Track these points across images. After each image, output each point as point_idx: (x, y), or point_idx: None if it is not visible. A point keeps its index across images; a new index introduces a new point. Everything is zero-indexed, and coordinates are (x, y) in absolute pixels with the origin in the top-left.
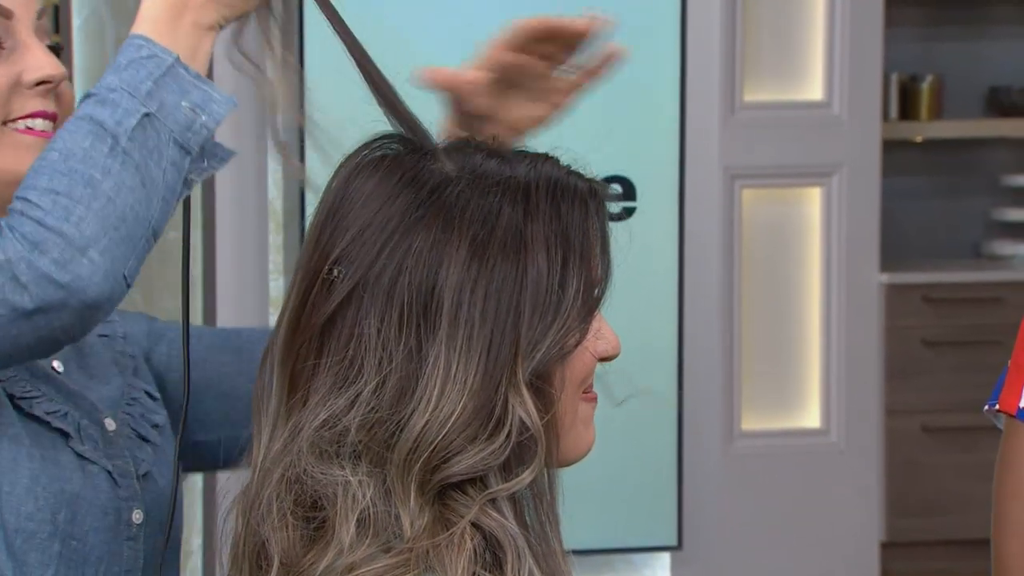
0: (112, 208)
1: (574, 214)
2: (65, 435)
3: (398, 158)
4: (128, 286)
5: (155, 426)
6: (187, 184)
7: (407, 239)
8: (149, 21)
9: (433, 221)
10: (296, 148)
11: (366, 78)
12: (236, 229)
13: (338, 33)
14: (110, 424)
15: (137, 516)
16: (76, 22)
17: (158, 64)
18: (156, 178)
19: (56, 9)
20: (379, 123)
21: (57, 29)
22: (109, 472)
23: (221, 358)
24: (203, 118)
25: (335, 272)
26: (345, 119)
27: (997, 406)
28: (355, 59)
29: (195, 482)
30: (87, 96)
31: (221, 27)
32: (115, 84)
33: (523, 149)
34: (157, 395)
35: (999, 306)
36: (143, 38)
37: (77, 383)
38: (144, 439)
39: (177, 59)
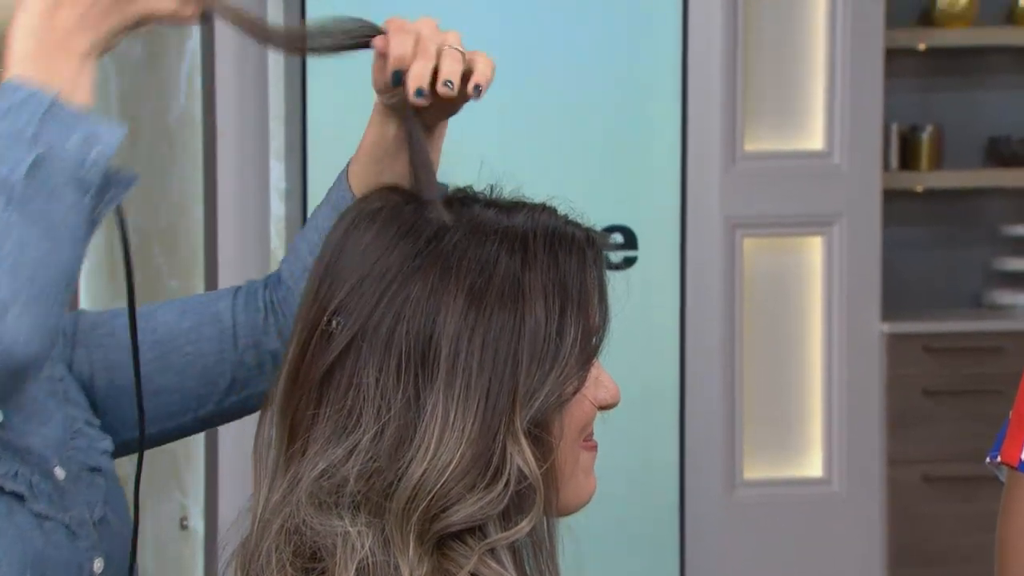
0: (21, 266)
1: (571, 263)
2: (20, 497)
3: (396, 209)
4: (56, 335)
5: (103, 452)
6: (93, 222)
7: (405, 288)
8: (21, 59)
9: (431, 270)
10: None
11: (403, 113)
12: (239, 276)
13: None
14: (60, 473)
15: (98, 565)
16: None
17: (38, 104)
18: (60, 222)
19: None
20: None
21: None
22: (67, 526)
23: (144, 355)
24: (94, 152)
25: (334, 323)
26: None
27: (999, 458)
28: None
29: (196, 532)
30: None
31: (100, 53)
32: None
33: (521, 199)
34: (96, 420)
35: (1000, 356)
36: (17, 80)
37: (20, 432)
38: (95, 469)
39: (56, 96)
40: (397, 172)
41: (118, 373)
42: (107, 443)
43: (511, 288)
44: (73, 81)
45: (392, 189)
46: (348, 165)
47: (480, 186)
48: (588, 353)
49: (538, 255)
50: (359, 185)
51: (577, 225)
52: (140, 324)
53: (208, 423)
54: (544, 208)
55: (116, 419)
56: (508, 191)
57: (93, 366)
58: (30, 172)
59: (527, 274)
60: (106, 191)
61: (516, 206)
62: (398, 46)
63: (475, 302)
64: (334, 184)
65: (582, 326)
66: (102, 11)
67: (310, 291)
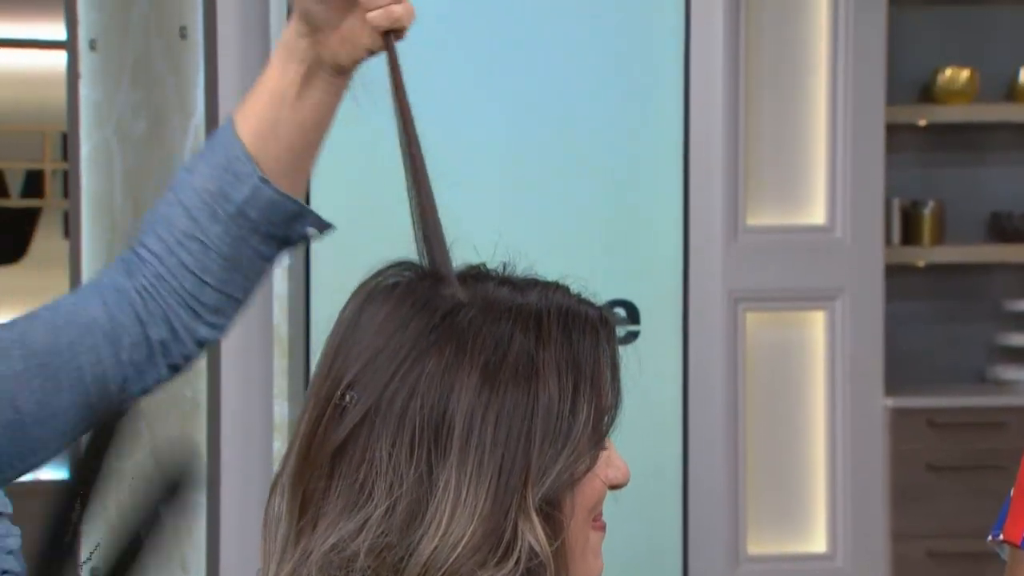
0: None
1: (585, 342)
2: None
3: (410, 285)
4: None
5: (9, 552)
6: None
7: (419, 364)
8: None
9: (445, 347)
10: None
11: (410, 170)
12: (241, 353)
13: (402, 119)
14: None
15: None
16: (84, 150)
17: None
18: None
19: (64, 137)
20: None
21: (65, 156)
22: None
23: (31, 385)
24: None
25: (347, 398)
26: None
27: (1001, 536)
28: (409, 151)
29: None
30: None
31: None
32: None
33: (534, 277)
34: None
35: (1004, 431)
36: None
37: None
38: (4, 572)
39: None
40: (296, 120)
41: (6, 410)
42: (14, 540)
43: (525, 366)
44: None
45: (407, 265)
46: (233, 118)
47: (493, 262)
48: (600, 432)
49: (552, 333)
50: (254, 140)
51: (590, 304)
52: (16, 351)
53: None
54: (557, 287)
55: (7, 451)
56: (521, 268)
57: None
58: None
59: (541, 352)
60: None
61: (529, 284)
62: None
63: (489, 379)
64: (215, 140)
65: (595, 405)
66: None
67: (323, 365)
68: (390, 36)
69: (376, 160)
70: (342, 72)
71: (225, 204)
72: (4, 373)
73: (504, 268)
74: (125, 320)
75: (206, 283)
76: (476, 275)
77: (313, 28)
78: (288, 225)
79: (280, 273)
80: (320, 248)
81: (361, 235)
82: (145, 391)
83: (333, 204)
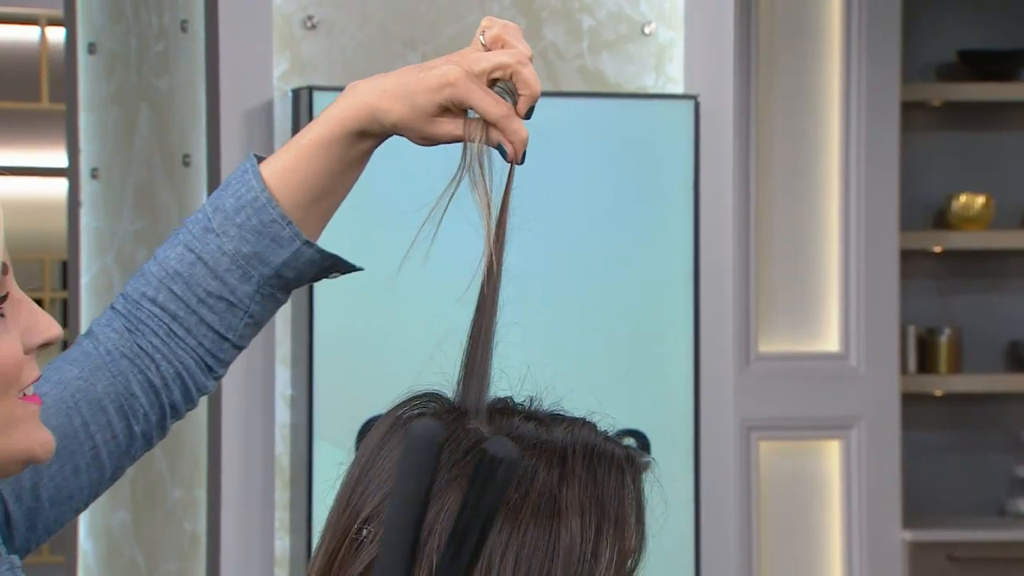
0: None
1: (610, 481)
2: None
3: (435, 418)
4: None
5: None
6: None
7: (439, 500)
8: None
9: (465, 483)
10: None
11: (481, 300)
12: (242, 485)
13: (494, 247)
14: None
15: None
16: (84, 279)
17: None
18: None
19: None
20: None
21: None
22: None
23: (49, 471)
24: None
25: (364, 531)
26: None
27: None
28: (487, 284)
29: None
30: None
31: None
32: None
33: (560, 413)
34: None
35: None
36: None
37: None
38: None
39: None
40: (337, 198)
41: (27, 498)
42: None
43: (547, 504)
44: None
45: (434, 396)
46: (260, 171)
47: (520, 396)
48: (623, 575)
49: (576, 471)
50: (296, 215)
51: (617, 443)
52: None
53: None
54: (584, 423)
55: (24, 537)
56: (548, 403)
57: (4, 499)
58: None
59: (564, 490)
60: None
61: (556, 419)
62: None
63: (510, 517)
64: (242, 197)
65: (618, 547)
66: None
67: (342, 497)
68: (512, 166)
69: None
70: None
71: (261, 267)
72: None
73: (531, 402)
74: (137, 389)
75: (227, 339)
76: (502, 409)
77: (367, 134)
78: (317, 276)
79: (282, 401)
80: (323, 375)
81: (366, 369)
82: (149, 448)
83: (336, 327)
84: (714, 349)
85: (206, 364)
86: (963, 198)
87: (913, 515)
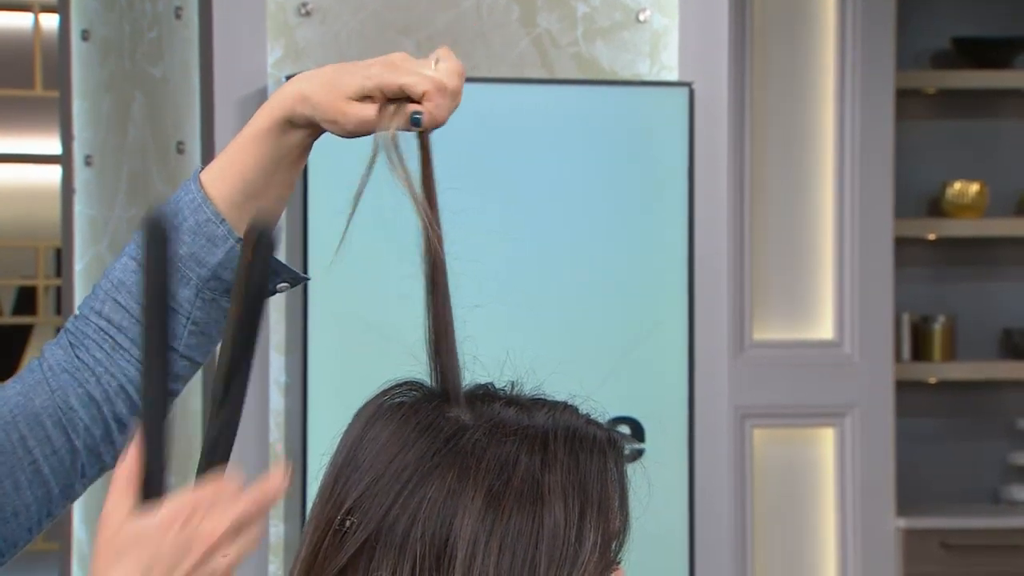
0: None
1: (592, 465)
2: None
3: (415, 405)
4: None
5: None
6: None
7: (421, 489)
8: None
9: (448, 470)
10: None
11: (430, 284)
12: (236, 472)
13: (428, 232)
14: None
15: None
16: (78, 266)
17: None
18: None
19: (58, 252)
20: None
21: (59, 272)
22: None
23: None
24: None
25: (348, 522)
26: None
27: None
28: (430, 264)
29: None
30: None
31: None
32: None
33: (542, 397)
34: None
35: (1019, 554)
36: None
37: None
38: None
39: None
40: (271, 197)
41: None
42: None
43: (530, 489)
44: None
45: (414, 384)
46: (199, 175)
47: (501, 381)
48: (608, 558)
49: (558, 455)
50: (214, 187)
51: (599, 425)
52: None
53: (60, 515)
54: (566, 407)
55: None
56: (530, 387)
57: None
58: None
59: (547, 475)
60: None
61: (537, 404)
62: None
63: (493, 504)
64: (179, 203)
65: (602, 530)
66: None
67: (325, 487)
68: (427, 135)
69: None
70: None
71: (198, 268)
72: None
73: (512, 387)
74: (76, 403)
75: (173, 349)
76: (483, 395)
77: (298, 123)
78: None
79: (276, 389)
80: (318, 362)
81: (361, 356)
82: (103, 470)
83: (331, 314)
84: (708, 336)
85: None
86: (957, 186)
87: (907, 502)
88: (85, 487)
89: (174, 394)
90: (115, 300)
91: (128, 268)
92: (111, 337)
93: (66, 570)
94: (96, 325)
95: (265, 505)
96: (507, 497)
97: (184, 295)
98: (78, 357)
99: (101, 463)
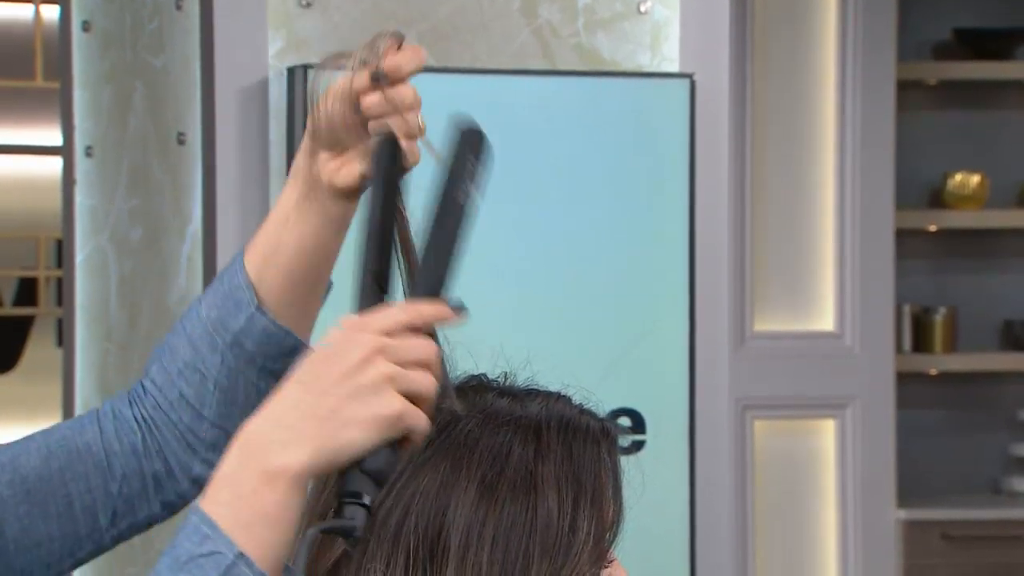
0: None
1: (586, 454)
2: None
3: None
4: None
5: None
6: None
7: (414, 481)
8: (222, 490)
9: (441, 461)
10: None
11: (408, 276)
12: None
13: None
14: None
15: None
16: (79, 257)
17: (216, 565)
18: None
19: (59, 243)
20: None
21: (60, 263)
22: None
23: (17, 511)
24: None
25: None
26: None
27: None
28: (406, 258)
29: None
30: None
31: (311, 479)
32: None
33: (535, 388)
34: None
35: (1020, 545)
36: (209, 524)
37: None
38: None
39: (239, 555)
40: (294, 245)
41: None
42: None
43: (523, 480)
44: (272, 528)
45: None
46: (244, 247)
47: (494, 372)
48: (602, 548)
49: (551, 445)
50: (258, 270)
51: (592, 415)
52: (4, 476)
53: (84, 562)
54: (559, 397)
55: None
56: (523, 378)
57: None
58: None
59: (540, 465)
60: None
61: (530, 394)
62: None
63: (486, 494)
64: (225, 269)
65: (596, 520)
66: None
67: (318, 480)
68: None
69: None
70: (340, 198)
71: (224, 333)
72: None
73: (505, 378)
74: (119, 449)
75: (204, 417)
76: (476, 386)
77: (320, 147)
78: (284, 360)
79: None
80: None
81: None
82: (135, 528)
83: (332, 306)
84: (709, 328)
85: (187, 442)
86: (958, 177)
87: (907, 494)
88: (114, 540)
89: (210, 463)
90: (161, 363)
91: (176, 331)
92: (154, 398)
93: None
94: (146, 386)
95: (429, 319)
96: (500, 487)
97: (212, 361)
98: (132, 411)
99: (134, 516)
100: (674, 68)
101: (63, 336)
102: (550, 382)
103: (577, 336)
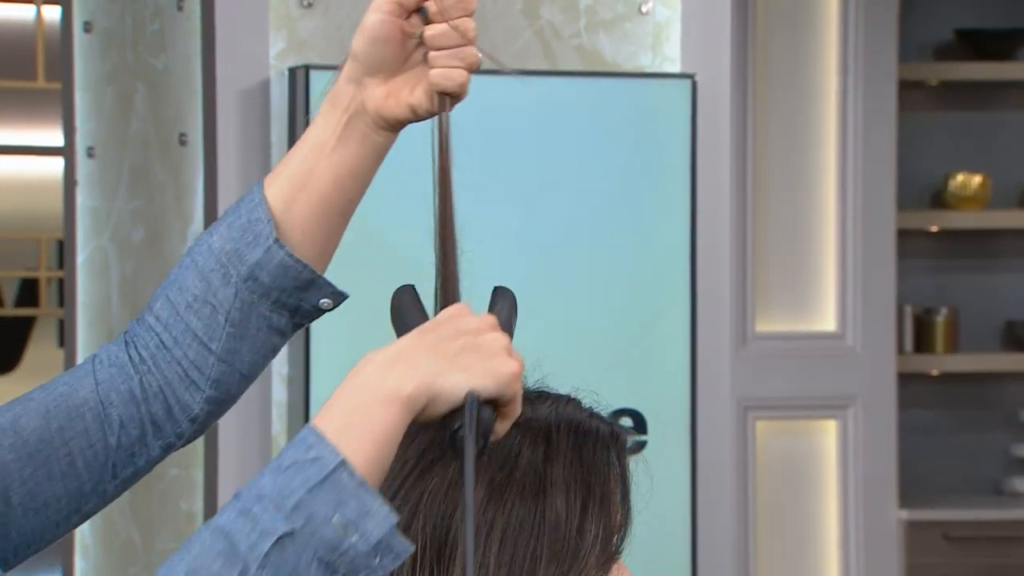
0: None
1: (595, 458)
2: None
3: None
4: None
5: None
6: None
7: (423, 481)
8: (334, 408)
9: (450, 463)
10: None
11: (440, 230)
12: (238, 464)
13: (440, 196)
14: None
15: None
16: (80, 258)
17: (319, 469)
18: None
19: (60, 244)
20: None
21: (61, 264)
22: None
23: (22, 474)
24: (353, 538)
25: None
26: None
27: None
28: (441, 232)
29: None
30: (238, 495)
31: (418, 410)
32: (266, 489)
33: (545, 390)
34: None
35: (1021, 545)
36: (316, 435)
37: None
38: None
39: (342, 463)
40: (331, 172)
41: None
42: None
43: (532, 482)
44: (375, 444)
45: None
46: (262, 179)
47: None
48: (609, 552)
49: (561, 448)
50: (281, 202)
51: (602, 419)
52: (6, 440)
53: (91, 515)
54: (569, 400)
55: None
56: (532, 380)
57: None
58: (275, 547)
59: (549, 468)
60: (376, 555)
61: (540, 397)
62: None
63: (495, 496)
64: (241, 201)
65: (604, 524)
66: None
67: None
68: (446, 100)
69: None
70: (384, 128)
71: (239, 266)
72: None
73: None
74: (116, 399)
75: (211, 351)
76: None
77: (363, 71)
78: (299, 294)
79: (279, 380)
80: (320, 356)
81: (364, 348)
82: (137, 475)
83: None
84: (711, 328)
85: (190, 378)
86: (960, 177)
87: (909, 494)
88: (118, 489)
89: (212, 401)
90: (167, 296)
91: (182, 264)
92: (157, 335)
93: (68, 564)
94: (148, 322)
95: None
96: (509, 489)
97: (225, 294)
98: (128, 353)
99: (134, 465)
100: (675, 69)
101: (64, 337)
102: (552, 382)
103: (579, 336)
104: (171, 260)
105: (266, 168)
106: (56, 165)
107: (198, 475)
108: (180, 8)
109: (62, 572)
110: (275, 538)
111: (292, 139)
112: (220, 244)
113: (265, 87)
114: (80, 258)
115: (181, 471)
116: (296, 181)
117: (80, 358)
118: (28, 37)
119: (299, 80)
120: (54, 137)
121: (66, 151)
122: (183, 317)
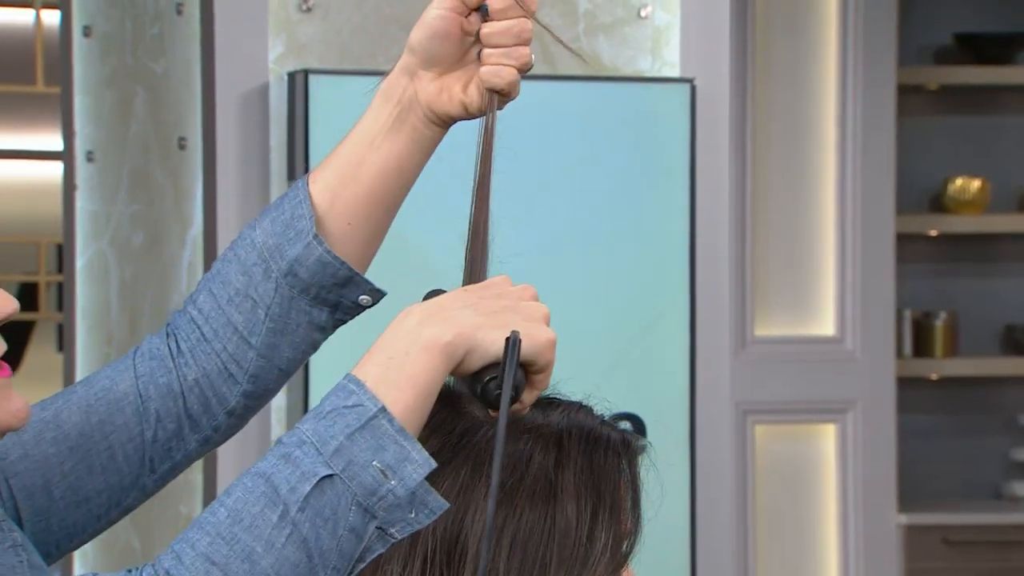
0: None
1: (606, 465)
2: None
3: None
4: None
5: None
6: (382, 539)
7: (433, 484)
8: (374, 357)
9: (461, 466)
10: None
11: (470, 250)
12: (237, 468)
13: (478, 191)
14: None
15: None
16: (79, 262)
17: (359, 415)
18: (328, 549)
19: (59, 248)
20: None
21: (60, 268)
22: None
23: (63, 468)
24: (392, 483)
25: None
26: None
27: None
28: (475, 224)
29: None
30: (279, 442)
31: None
32: (308, 435)
33: (557, 397)
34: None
35: (1021, 550)
36: (356, 383)
37: None
38: None
39: (381, 409)
40: (379, 165)
41: (39, 496)
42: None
43: (543, 488)
44: (415, 391)
45: None
46: (307, 176)
47: None
48: (619, 560)
49: (572, 455)
50: (326, 197)
51: (613, 426)
52: (49, 433)
53: (132, 509)
54: (581, 407)
55: (39, 538)
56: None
57: (15, 495)
58: (315, 490)
59: (560, 474)
60: (411, 509)
61: (552, 403)
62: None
63: (505, 500)
64: (286, 196)
65: (613, 531)
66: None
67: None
68: (494, 97)
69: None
70: (435, 123)
71: (279, 260)
72: (36, 458)
73: None
74: (155, 392)
75: (251, 345)
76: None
77: (419, 64)
78: (338, 290)
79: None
80: (319, 360)
81: (362, 347)
82: (176, 469)
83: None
84: (710, 332)
85: (228, 372)
86: (959, 182)
87: (909, 499)
88: (157, 484)
89: (249, 396)
90: (209, 289)
91: (225, 258)
92: (198, 327)
93: (67, 569)
94: (190, 314)
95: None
96: (520, 494)
97: (265, 288)
98: (168, 345)
99: (172, 460)
100: (675, 73)
101: (64, 341)
102: (553, 383)
103: (578, 340)
104: (171, 264)
105: (266, 172)
106: (55, 169)
107: (197, 479)
108: (179, 12)
109: None
110: (315, 481)
111: (291, 143)
112: (263, 239)
113: (264, 91)
114: (79, 262)
115: (180, 475)
116: (343, 173)
117: (79, 362)
118: (27, 41)
119: (298, 84)
120: (53, 141)
121: (65, 155)
122: (224, 311)
